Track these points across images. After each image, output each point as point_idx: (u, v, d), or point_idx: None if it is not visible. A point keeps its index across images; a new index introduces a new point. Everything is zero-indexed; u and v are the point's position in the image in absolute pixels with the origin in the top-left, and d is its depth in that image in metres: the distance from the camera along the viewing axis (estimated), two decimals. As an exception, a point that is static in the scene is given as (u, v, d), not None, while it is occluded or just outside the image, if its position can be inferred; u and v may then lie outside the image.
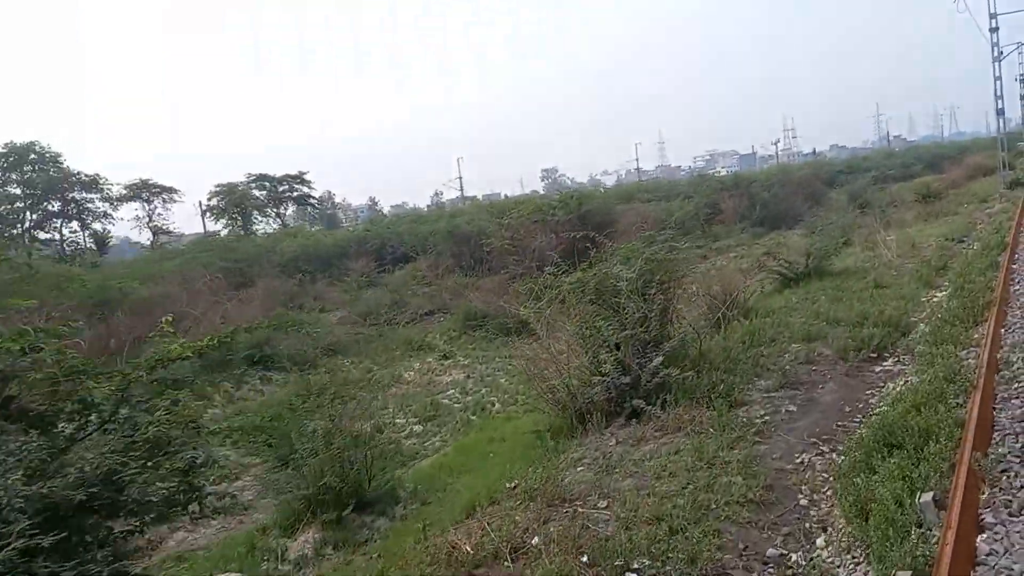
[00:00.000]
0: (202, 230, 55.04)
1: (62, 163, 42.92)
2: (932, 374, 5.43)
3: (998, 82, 22.77)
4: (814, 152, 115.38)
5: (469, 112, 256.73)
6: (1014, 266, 9.42)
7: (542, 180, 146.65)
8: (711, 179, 39.53)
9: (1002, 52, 22.94)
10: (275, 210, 52.40)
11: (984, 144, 56.71)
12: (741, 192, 33.94)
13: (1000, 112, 23.41)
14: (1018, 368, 4.98)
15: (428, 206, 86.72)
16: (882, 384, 6.40)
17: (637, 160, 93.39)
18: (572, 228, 20.16)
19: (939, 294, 9.81)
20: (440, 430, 9.35)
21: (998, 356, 5.38)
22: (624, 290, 7.32)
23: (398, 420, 9.89)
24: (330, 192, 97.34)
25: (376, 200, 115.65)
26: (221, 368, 12.75)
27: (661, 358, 6.81)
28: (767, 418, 5.93)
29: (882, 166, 58.08)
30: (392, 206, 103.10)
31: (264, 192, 51.77)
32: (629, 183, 66.96)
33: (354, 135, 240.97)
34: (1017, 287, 8.03)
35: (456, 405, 10.30)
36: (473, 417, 9.57)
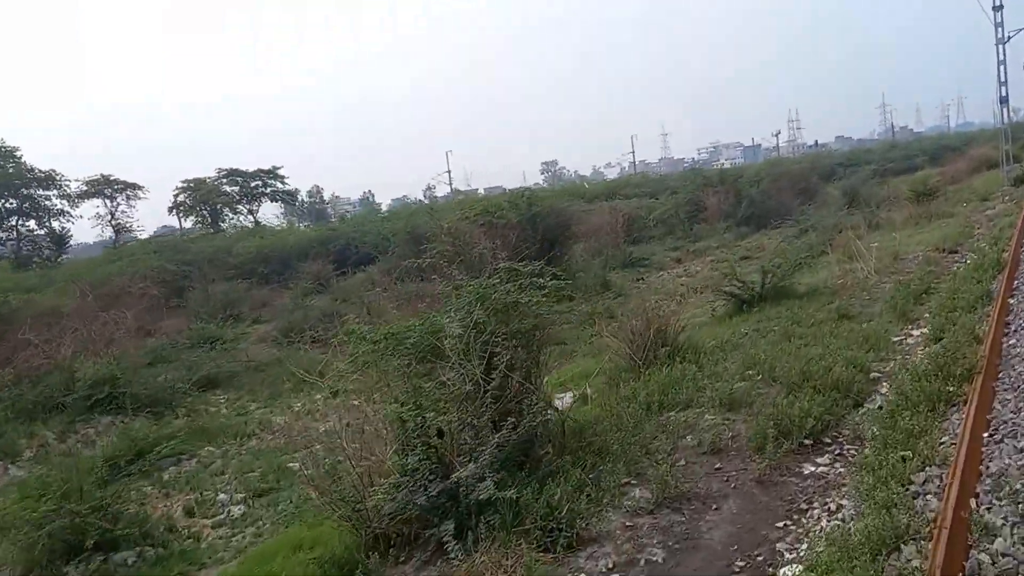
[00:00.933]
0: (178, 227, 53.42)
1: (19, 158, 40.95)
2: (868, 526, 3.30)
3: (1002, 67, 20.46)
4: (816, 144, 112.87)
5: (473, 104, 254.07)
6: (1011, 300, 7.23)
7: (542, 173, 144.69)
8: (700, 173, 37.18)
9: (1008, 36, 20.60)
10: (247, 206, 50.29)
11: (990, 135, 54.30)
12: (727, 188, 31.63)
13: (1004, 100, 21.10)
14: (1006, 549, 2.80)
15: (420, 200, 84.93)
16: (805, 507, 4.26)
17: (633, 153, 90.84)
18: (521, 232, 18.10)
19: (915, 333, 7.64)
20: (266, 514, 7.25)
21: (972, 505, 3.24)
22: (451, 350, 5.21)
23: (222, 494, 7.78)
24: (318, 187, 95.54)
25: (373, 194, 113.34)
26: (55, 411, 10.79)
27: (487, 457, 4.69)
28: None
29: (883, 159, 55.85)
30: (393, 199, 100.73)
31: (236, 188, 49.66)
32: (619, 178, 64.83)
33: (354, 126, 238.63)
34: (1012, 340, 5.85)
35: (308, 472, 8.17)
36: (314, 495, 7.45)
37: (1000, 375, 5.05)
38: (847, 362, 6.39)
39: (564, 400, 8.91)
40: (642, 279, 20.36)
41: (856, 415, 5.56)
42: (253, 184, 49.92)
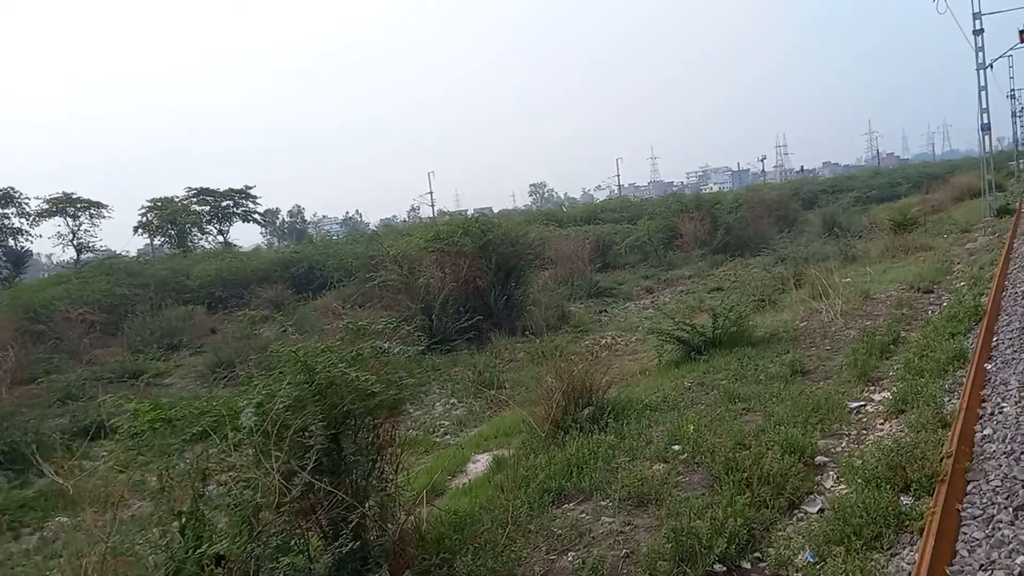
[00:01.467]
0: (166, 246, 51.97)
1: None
2: None
3: (983, 93, 19.56)
4: (802, 169, 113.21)
5: (464, 122, 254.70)
6: (988, 365, 6.04)
7: (530, 195, 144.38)
8: (676, 199, 36.26)
9: (989, 64, 19.78)
10: (218, 226, 48.92)
11: (975, 163, 54.08)
12: (703, 214, 30.60)
13: (985, 128, 20.14)
14: None
15: (404, 221, 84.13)
16: None
17: (618, 176, 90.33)
18: (473, 261, 16.87)
19: (876, 398, 6.44)
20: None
21: None
22: (242, 445, 3.94)
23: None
24: (299, 206, 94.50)
25: (361, 213, 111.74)
26: None
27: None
28: None
29: (867, 186, 55.52)
30: (382, 219, 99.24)
31: (207, 207, 48.36)
32: (599, 201, 64.08)
33: (346, 146, 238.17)
34: (988, 429, 4.58)
35: None
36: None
37: (969, 487, 3.82)
38: (787, 445, 5.16)
39: (479, 463, 7.68)
40: (605, 311, 19.13)
41: (789, 523, 4.32)
42: (224, 204, 48.65)
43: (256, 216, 50.19)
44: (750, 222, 31.24)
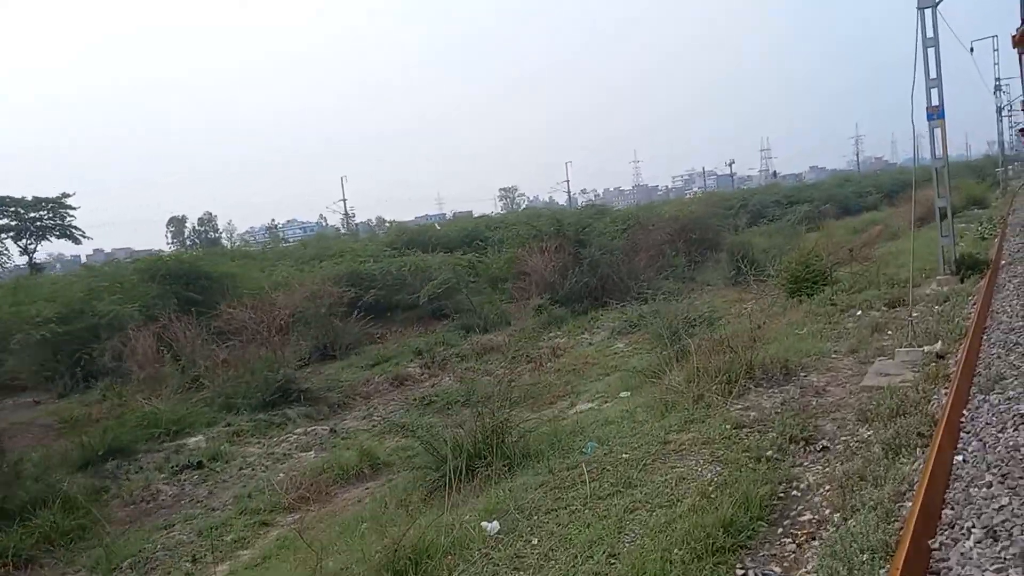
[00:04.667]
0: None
1: None
2: None
3: (930, 51, 10.55)
4: (775, 175, 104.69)
5: (446, 120, 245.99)
6: None
7: (500, 200, 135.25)
8: (531, 220, 27.00)
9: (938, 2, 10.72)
10: (26, 244, 39.62)
11: (958, 170, 45.42)
12: (560, 243, 21.41)
13: (934, 114, 10.96)
14: None
15: (343, 233, 75.09)
16: None
17: (568, 181, 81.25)
18: None
19: None
20: None
21: None
22: None
23: None
24: (210, 213, 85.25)
25: (331, 219, 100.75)
26: None
27: None
28: None
29: (826, 197, 46.63)
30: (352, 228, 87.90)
31: (9, 220, 39.07)
32: (479, 216, 55.22)
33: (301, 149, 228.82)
34: None
35: None
36: None
37: None
38: None
39: None
40: (194, 466, 9.66)
41: None
42: (31, 216, 39.33)
43: (73, 230, 40.69)
44: (628, 255, 22.14)
